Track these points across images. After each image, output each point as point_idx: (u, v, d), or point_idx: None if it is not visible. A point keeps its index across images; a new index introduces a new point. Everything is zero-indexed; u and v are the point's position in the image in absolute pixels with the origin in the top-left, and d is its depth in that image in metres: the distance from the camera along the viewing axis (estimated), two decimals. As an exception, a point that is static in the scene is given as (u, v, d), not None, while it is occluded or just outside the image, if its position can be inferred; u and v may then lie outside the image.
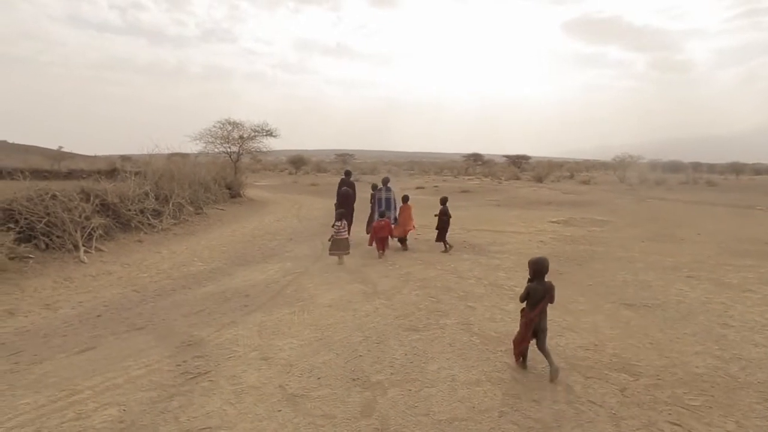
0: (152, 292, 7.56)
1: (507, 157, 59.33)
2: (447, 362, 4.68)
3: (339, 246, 9.08)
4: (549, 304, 4.54)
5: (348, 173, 12.45)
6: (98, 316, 6.46)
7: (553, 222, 15.11)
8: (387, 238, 9.99)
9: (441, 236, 10.34)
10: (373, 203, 10.94)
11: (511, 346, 4.75)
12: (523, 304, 4.61)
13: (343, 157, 66.04)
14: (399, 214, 10.61)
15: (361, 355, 4.85)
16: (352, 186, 11.76)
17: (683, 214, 18.17)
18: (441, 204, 10.68)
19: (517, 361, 4.65)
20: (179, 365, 4.69)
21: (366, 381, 4.30)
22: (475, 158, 57.51)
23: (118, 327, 5.97)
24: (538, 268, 4.54)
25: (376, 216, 10.29)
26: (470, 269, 8.52)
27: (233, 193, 19.01)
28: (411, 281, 7.74)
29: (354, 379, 4.33)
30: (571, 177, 45.37)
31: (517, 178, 42.97)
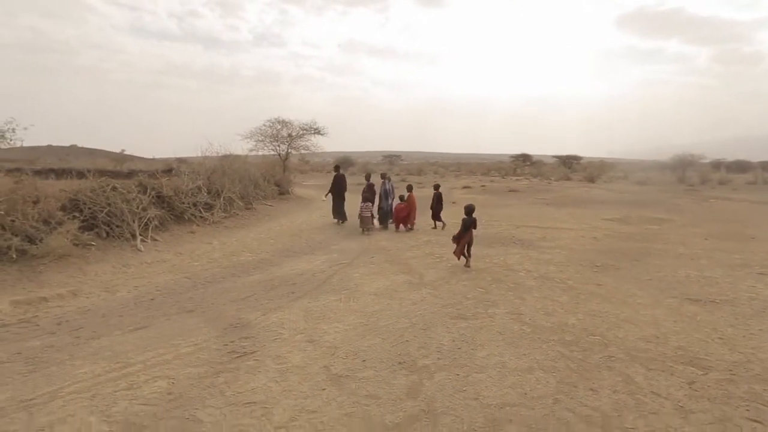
0: (203, 279, 7.74)
1: (557, 157, 57.49)
2: (497, 349, 4.49)
3: (364, 221, 11.86)
4: (474, 230, 8.07)
5: (338, 168, 14.82)
6: (152, 299, 6.66)
7: (607, 220, 14.46)
8: (406, 217, 12.08)
9: (435, 216, 12.34)
10: (367, 192, 12.71)
11: (454, 256, 8.12)
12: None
13: (390, 158, 66.00)
14: (406, 200, 12.32)
15: (407, 341, 4.74)
16: (344, 179, 14.26)
17: (752, 214, 16.94)
18: (434, 189, 12.72)
19: (459, 259, 8.06)
20: (226, 345, 4.74)
21: (412, 365, 4.18)
22: (524, 158, 56.03)
23: (169, 309, 6.13)
24: (468, 210, 8.19)
25: (390, 202, 12.56)
26: (520, 263, 8.24)
27: (281, 190, 19.32)
28: (458, 273, 7.56)
29: (400, 363, 4.22)
30: (626, 177, 43.42)
31: (568, 179, 41.55)
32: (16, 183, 8.39)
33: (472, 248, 8.16)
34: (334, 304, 6.05)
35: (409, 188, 12.77)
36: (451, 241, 8.36)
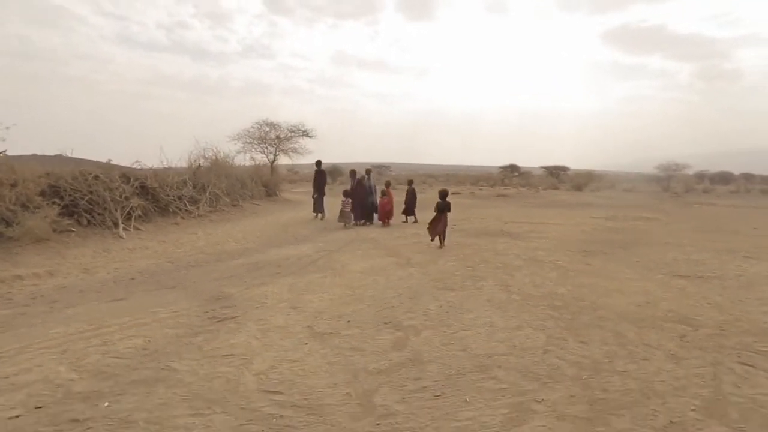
0: (185, 263, 7.56)
1: (545, 168, 57.93)
2: (485, 313, 4.39)
3: (343, 216, 11.93)
4: (448, 213, 8.55)
5: (319, 163, 14.74)
6: (132, 279, 6.46)
7: (594, 218, 14.51)
8: (391, 211, 12.21)
9: (408, 211, 12.69)
10: (355, 188, 12.58)
11: (431, 241, 8.54)
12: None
13: (379, 168, 65.96)
14: (386, 195, 12.40)
15: (393, 306, 4.63)
16: (325, 174, 14.49)
17: (735, 216, 17.10)
18: (408, 185, 13.26)
19: (432, 240, 8.50)
20: (206, 312, 4.58)
21: (398, 325, 4.07)
22: (512, 169, 56.34)
23: (149, 287, 5.95)
24: (442, 194, 8.82)
25: (373, 199, 12.49)
26: (508, 248, 8.18)
27: (269, 191, 19.10)
28: (446, 256, 7.47)
29: (385, 323, 4.11)
30: (613, 186, 43.85)
31: (556, 188, 41.84)
32: (-6, 166, 8.17)
33: (447, 230, 8.59)
34: (320, 280, 5.92)
35: (387, 184, 12.88)
36: (426, 230, 8.73)
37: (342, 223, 11.93)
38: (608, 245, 8.69)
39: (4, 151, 8.40)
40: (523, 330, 3.89)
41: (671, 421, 2.48)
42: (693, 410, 2.60)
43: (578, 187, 38.74)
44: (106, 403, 2.71)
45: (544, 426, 2.43)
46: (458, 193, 29.13)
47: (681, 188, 36.82)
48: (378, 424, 2.47)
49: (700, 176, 47.30)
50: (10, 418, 2.51)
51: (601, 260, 7.16)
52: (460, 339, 3.69)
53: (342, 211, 12.02)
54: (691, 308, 4.54)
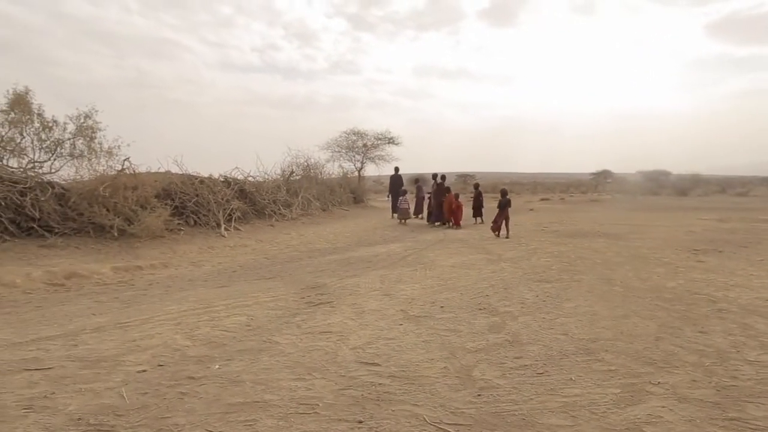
0: (281, 259, 7.93)
1: (642, 172, 53.89)
2: (586, 302, 4.15)
3: (402, 213, 12.84)
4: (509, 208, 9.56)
5: (396, 169, 15.98)
6: (234, 271, 6.90)
7: (704, 219, 13.24)
8: (460, 214, 12.16)
9: (477, 213, 12.88)
10: (433, 192, 12.92)
11: (491, 231, 9.67)
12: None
13: (464, 177, 65.26)
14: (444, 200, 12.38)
15: (487, 295, 4.52)
16: (401, 178, 15.31)
17: None
18: (474, 189, 13.80)
19: (495, 234, 9.52)
20: (303, 298, 4.75)
21: (493, 311, 3.96)
22: (605, 175, 53.11)
23: (250, 277, 6.31)
24: (503, 192, 10.06)
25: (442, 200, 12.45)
26: (607, 247, 7.70)
27: (357, 198, 19.62)
28: (539, 252, 7.19)
29: (480, 309, 4.02)
30: (723, 191, 39.89)
31: (655, 193, 38.83)
32: (119, 171, 9.13)
33: (510, 224, 9.56)
34: (411, 272, 5.93)
35: (448, 190, 12.78)
36: (491, 230, 9.71)
37: (399, 220, 12.75)
38: (723, 244, 7.88)
39: (128, 158, 9.34)
40: (630, 318, 3.61)
41: (822, 412, 2.17)
42: None
43: (682, 192, 35.68)
44: (217, 366, 2.89)
45: (664, 407, 2.23)
46: (547, 200, 28.04)
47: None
48: (479, 395, 2.40)
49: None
50: (138, 372, 2.77)
51: (717, 258, 6.50)
52: (560, 324, 3.51)
53: (399, 209, 12.88)
54: (835, 304, 3.97)
